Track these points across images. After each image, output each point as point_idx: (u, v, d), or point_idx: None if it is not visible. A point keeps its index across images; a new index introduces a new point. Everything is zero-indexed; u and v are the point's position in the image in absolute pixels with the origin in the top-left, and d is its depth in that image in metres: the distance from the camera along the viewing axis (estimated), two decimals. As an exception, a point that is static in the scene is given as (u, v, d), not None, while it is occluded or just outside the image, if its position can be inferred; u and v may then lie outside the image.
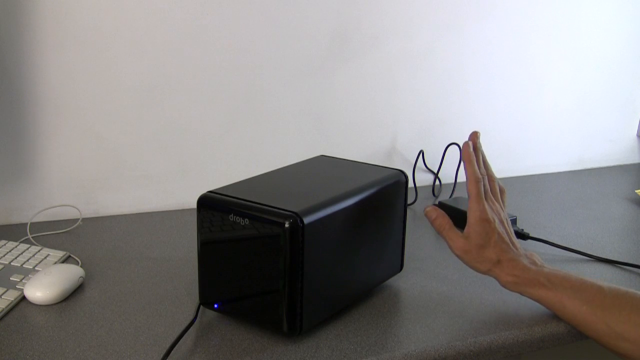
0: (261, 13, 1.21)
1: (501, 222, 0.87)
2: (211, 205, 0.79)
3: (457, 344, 0.80)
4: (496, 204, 0.89)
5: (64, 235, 1.09)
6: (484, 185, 0.88)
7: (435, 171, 1.39)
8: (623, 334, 0.77)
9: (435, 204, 1.25)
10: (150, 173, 1.20)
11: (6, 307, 0.84)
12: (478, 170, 0.88)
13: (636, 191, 1.38)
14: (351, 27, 1.28)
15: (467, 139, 0.92)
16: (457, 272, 0.95)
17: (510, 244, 0.86)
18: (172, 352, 0.75)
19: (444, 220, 0.87)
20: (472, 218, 0.86)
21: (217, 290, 0.81)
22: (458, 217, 0.93)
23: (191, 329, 0.81)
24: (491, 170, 0.92)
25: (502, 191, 0.92)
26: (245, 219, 0.76)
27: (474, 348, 0.80)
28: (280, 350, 0.77)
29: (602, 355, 0.86)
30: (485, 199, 0.87)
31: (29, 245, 1.01)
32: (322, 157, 0.99)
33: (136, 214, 1.20)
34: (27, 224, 1.08)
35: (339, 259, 0.81)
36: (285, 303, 0.76)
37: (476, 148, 0.91)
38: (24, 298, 0.87)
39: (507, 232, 0.87)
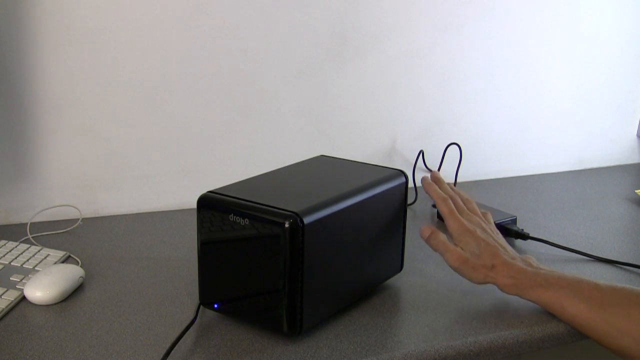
0: (261, 13, 1.21)
1: (484, 230, 0.89)
2: (211, 205, 0.79)
3: (457, 344, 0.80)
4: (474, 217, 0.91)
5: (64, 235, 1.09)
6: (456, 204, 0.92)
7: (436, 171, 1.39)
8: (623, 330, 0.77)
9: (434, 204, 1.26)
10: (151, 173, 1.20)
11: (6, 307, 0.84)
12: (442, 191, 0.93)
13: (636, 191, 1.38)
14: (351, 27, 1.28)
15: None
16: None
17: (500, 248, 0.87)
18: (172, 352, 0.75)
19: (438, 235, 0.88)
20: (454, 233, 0.88)
21: (217, 290, 0.81)
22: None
23: (191, 329, 0.81)
24: (464, 196, 0.95)
25: (485, 213, 0.94)
26: (245, 219, 0.76)
27: (474, 348, 0.80)
28: (280, 350, 0.77)
29: (602, 355, 0.86)
30: (461, 214, 0.90)
31: (29, 245, 1.01)
32: (322, 157, 0.99)
33: (136, 214, 1.20)
34: (27, 224, 1.08)
35: (339, 259, 0.81)
36: (285, 303, 0.76)
37: (436, 179, 0.96)
38: (24, 298, 0.87)
39: (493, 238, 0.89)
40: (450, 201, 0.91)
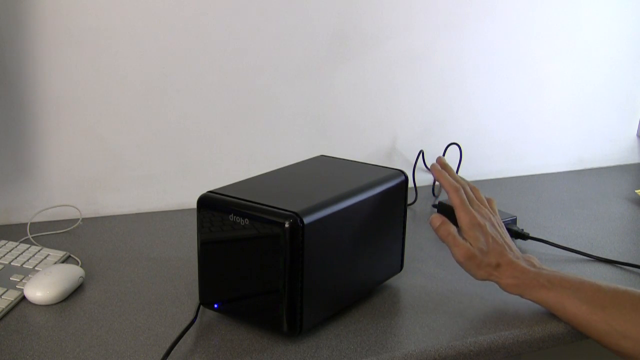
0: (261, 13, 1.21)
1: (493, 225, 0.88)
2: (211, 205, 0.79)
3: (457, 344, 0.80)
4: (484, 208, 0.89)
5: (64, 235, 1.09)
6: (466, 193, 0.90)
7: (435, 171, 1.39)
8: (624, 332, 0.77)
9: (435, 204, 1.26)
10: (150, 173, 1.20)
11: (6, 307, 0.84)
12: (453, 180, 0.90)
13: (636, 191, 1.38)
14: (351, 27, 1.28)
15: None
16: (457, 272, 0.95)
17: (506, 247, 0.86)
18: (172, 352, 0.75)
19: (448, 227, 0.86)
20: (464, 225, 0.86)
21: (217, 290, 0.81)
22: (458, 217, 0.93)
23: (191, 329, 0.81)
24: (471, 184, 0.93)
25: (490, 200, 0.93)
26: (245, 219, 0.76)
27: (474, 348, 0.80)
28: (280, 350, 0.77)
29: (602, 355, 0.86)
30: (472, 205, 0.88)
31: (29, 245, 1.01)
32: (322, 157, 0.99)
33: (136, 214, 1.20)
34: (27, 224, 1.08)
35: (339, 259, 0.81)
36: (285, 303, 0.76)
37: (444, 165, 0.93)
38: (24, 298, 0.87)
39: (501, 235, 0.87)
40: (462, 191, 0.88)
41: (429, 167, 1.40)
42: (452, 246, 0.86)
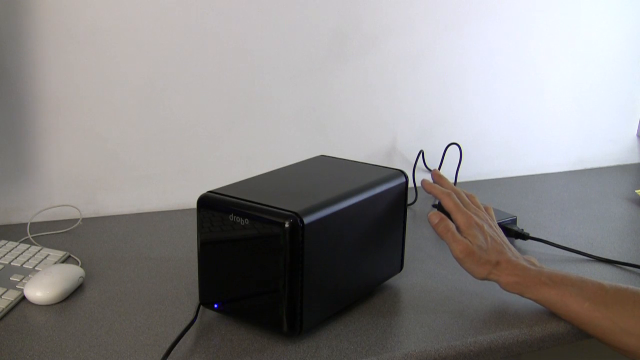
0: (261, 13, 1.21)
1: (490, 227, 0.88)
2: (211, 205, 0.79)
3: (457, 344, 0.80)
4: (480, 211, 0.90)
5: (64, 235, 1.09)
6: (461, 199, 0.90)
7: (435, 171, 1.39)
8: (627, 329, 0.77)
9: (434, 204, 1.26)
10: (150, 173, 1.20)
11: (6, 307, 0.84)
12: (443, 188, 0.91)
13: (636, 191, 1.38)
14: (351, 27, 1.28)
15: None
16: (457, 272, 0.95)
17: (505, 246, 0.87)
18: (172, 352, 0.75)
19: (447, 224, 0.87)
20: (462, 226, 0.87)
21: (217, 290, 0.81)
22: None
23: (191, 329, 0.81)
24: (467, 192, 0.94)
25: (487, 207, 0.93)
26: (245, 219, 0.76)
27: (474, 348, 0.80)
28: (280, 350, 0.77)
29: (602, 355, 0.86)
30: (468, 209, 0.89)
31: (29, 245, 1.01)
32: (322, 157, 0.99)
33: (136, 214, 1.20)
34: (27, 224, 1.08)
35: (339, 259, 0.81)
36: (285, 303, 0.76)
37: (438, 176, 0.94)
38: (24, 298, 0.87)
39: (499, 236, 0.88)
40: (454, 195, 0.89)
41: (429, 167, 1.40)
42: (451, 242, 0.86)
